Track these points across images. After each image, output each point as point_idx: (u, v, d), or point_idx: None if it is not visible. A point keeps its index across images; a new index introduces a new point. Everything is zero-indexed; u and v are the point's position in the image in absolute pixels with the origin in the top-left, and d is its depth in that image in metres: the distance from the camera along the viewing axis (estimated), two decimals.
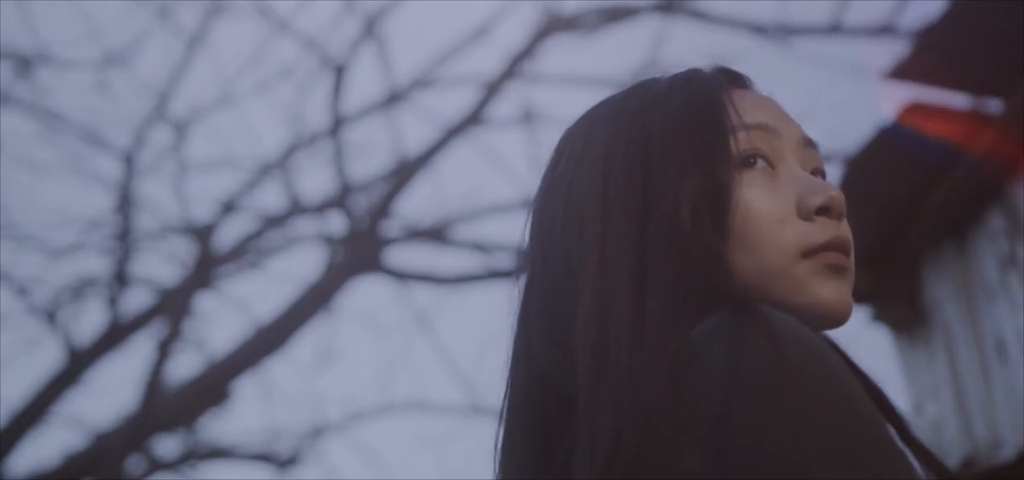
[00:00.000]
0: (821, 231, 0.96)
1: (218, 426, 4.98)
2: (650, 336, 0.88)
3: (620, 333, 0.90)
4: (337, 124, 4.79)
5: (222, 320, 5.02)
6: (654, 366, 0.87)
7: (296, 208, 4.97)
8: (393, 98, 4.90)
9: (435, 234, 4.90)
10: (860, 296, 4.06)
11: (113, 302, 5.14)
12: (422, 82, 4.94)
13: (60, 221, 5.27)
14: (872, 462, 0.79)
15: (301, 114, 4.90)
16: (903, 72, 3.83)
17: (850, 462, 0.79)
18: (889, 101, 3.90)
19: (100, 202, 5.21)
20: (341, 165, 4.80)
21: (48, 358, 5.14)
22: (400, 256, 4.96)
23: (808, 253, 0.95)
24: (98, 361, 5.13)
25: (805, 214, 0.96)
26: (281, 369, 4.85)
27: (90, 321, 5.19)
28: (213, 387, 4.81)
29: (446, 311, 5.42)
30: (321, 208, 4.94)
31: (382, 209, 4.80)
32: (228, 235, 5.02)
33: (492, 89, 4.78)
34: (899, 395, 4.83)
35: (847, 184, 3.75)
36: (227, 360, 4.80)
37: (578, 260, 0.95)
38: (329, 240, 4.83)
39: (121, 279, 5.13)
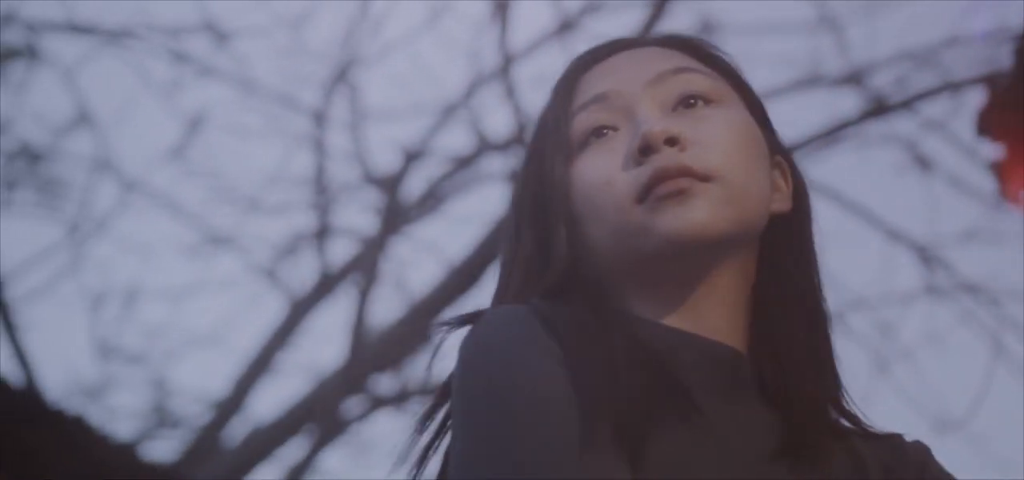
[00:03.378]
0: (647, 170, 0.95)
1: (424, 365, 5.16)
2: None
3: None
4: (508, 60, 4.84)
5: (417, 263, 5.17)
6: None
7: (480, 147, 5.06)
8: (564, 27, 4.90)
9: None
10: None
11: (321, 254, 5.38)
12: (591, 7, 4.92)
13: (268, 180, 5.54)
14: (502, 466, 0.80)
15: (476, 53, 4.96)
16: None
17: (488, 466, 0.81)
18: None
19: (299, 159, 5.45)
20: (517, 101, 4.85)
21: (269, 312, 5.44)
22: None
23: (640, 197, 0.95)
24: (312, 311, 5.39)
25: (634, 162, 0.96)
26: (478, 305, 4.92)
27: (303, 273, 5.45)
28: (416, 328, 4.98)
29: None
30: (503, 146, 5.01)
31: None
32: (417, 180, 5.17)
33: (661, 5, 4.72)
34: None
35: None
36: (426, 301, 4.96)
37: None
38: (511, 176, 4.90)
39: (325, 231, 5.36)
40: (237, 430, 5.52)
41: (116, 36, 5.34)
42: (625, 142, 0.98)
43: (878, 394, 4.95)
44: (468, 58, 4.99)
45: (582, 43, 5.18)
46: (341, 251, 5.33)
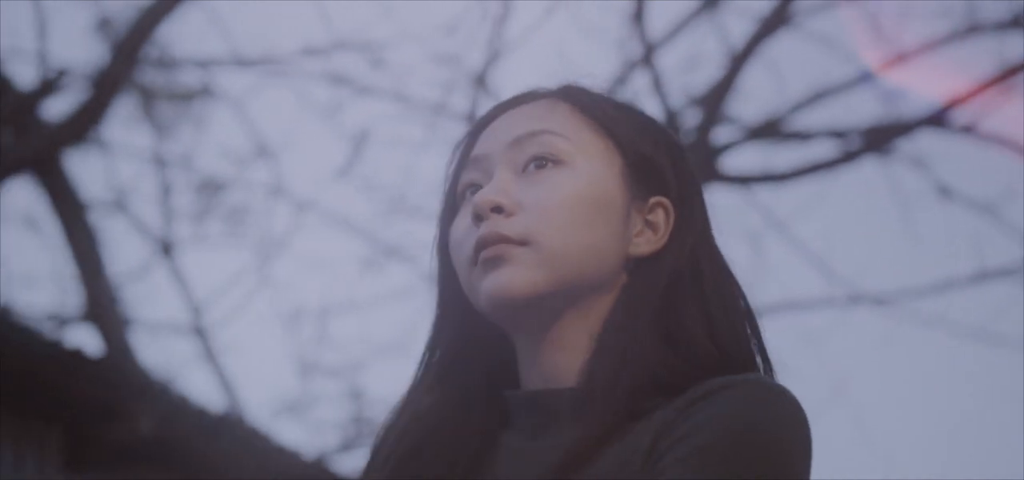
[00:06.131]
0: (474, 236, 1.03)
1: None
2: None
3: None
4: (649, 48, 4.80)
5: None
6: None
7: None
8: (708, 3, 4.83)
9: (770, 129, 4.80)
10: None
11: None
12: None
13: (431, 188, 5.66)
14: None
15: (621, 43, 4.94)
16: None
17: None
18: None
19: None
20: (661, 86, 4.80)
21: None
22: (737, 160, 4.91)
23: (474, 261, 1.04)
24: None
25: (474, 227, 1.04)
26: None
27: None
28: None
29: (796, 204, 5.32)
30: None
31: (711, 118, 4.76)
32: None
33: None
34: None
35: None
36: None
37: None
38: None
39: None
40: None
41: (277, 64, 5.54)
42: None
43: None
44: (615, 47, 4.98)
45: (727, 18, 5.14)
46: None
